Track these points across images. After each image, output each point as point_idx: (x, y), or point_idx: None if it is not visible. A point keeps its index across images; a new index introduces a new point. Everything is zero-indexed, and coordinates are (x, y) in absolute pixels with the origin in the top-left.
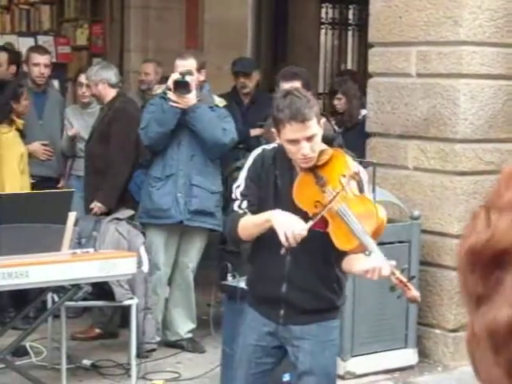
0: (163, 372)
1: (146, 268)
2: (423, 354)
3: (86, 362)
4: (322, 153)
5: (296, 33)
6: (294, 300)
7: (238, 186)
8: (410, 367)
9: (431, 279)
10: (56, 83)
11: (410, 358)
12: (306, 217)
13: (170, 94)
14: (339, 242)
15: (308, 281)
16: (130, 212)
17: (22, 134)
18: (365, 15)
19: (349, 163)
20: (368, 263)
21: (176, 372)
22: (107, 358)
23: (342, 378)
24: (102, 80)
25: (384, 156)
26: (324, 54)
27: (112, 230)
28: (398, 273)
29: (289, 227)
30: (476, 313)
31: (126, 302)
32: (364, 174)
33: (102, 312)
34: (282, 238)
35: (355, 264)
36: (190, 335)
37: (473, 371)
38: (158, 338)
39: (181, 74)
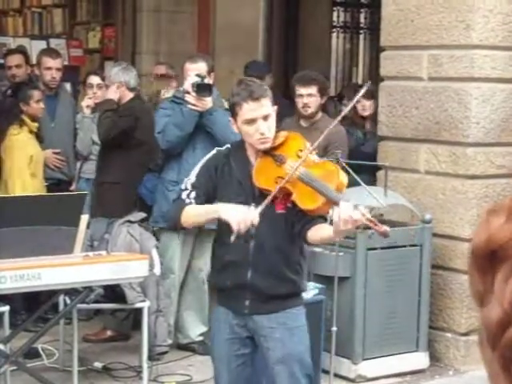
0: (174, 374)
1: (157, 271)
2: (434, 358)
3: (98, 365)
4: (276, 136)
5: (307, 36)
6: (260, 286)
7: (189, 179)
8: (421, 371)
9: (442, 283)
10: (68, 86)
11: (422, 361)
12: (270, 208)
13: (189, 97)
14: (305, 203)
15: (273, 264)
16: (142, 215)
17: (39, 138)
18: (376, 19)
19: (305, 141)
20: (337, 215)
21: (187, 375)
22: (119, 360)
23: (353, 381)
24: (120, 82)
25: (395, 159)
26: (335, 57)
27: (124, 232)
28: (366, 213)
29: (241, 216)
30: (480, 312)
31: (138, 305)
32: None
33: (114, 315)
34: (235, 227)
35: (325, 227)
36: (201, 338)
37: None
38: (170, 341)
39: (199, 76)
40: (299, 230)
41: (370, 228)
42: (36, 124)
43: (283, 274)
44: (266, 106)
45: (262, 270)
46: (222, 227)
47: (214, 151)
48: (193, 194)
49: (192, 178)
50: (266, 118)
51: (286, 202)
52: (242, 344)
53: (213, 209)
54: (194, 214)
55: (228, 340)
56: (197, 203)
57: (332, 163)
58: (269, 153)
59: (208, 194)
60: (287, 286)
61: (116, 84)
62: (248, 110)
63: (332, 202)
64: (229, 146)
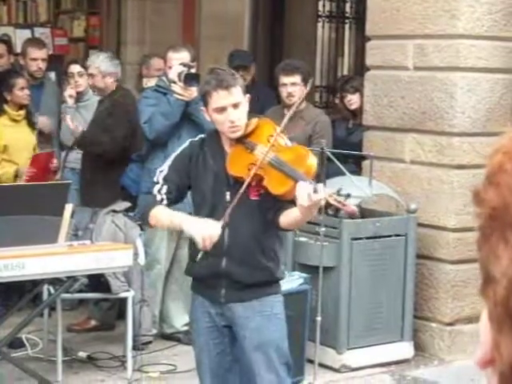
0: (159, 364)
1: (142, 260)
2: (419, 348)
3: (82, 354)
4: (248, 123)
5: (293, 26)
6: (235, 274)
7: (162, 171)
8: (406, 360)
9: (427, 273)
10: (53, 75)
11: (406, 351)
12: (244, 195)
13: (176, 87)
14: (275, 188)
15: (248, 252)
16: (127, 204)
17: (31, 125)
18: (362, 8)
19: (274, 125)
20: (299, 191)
21: (172, 364)
22: (103, 350)
23: (338, 371)
24: (110, 74)
25: (381, 149)
26: (321, 47)
27: (108, 222)
28: (333, 194)
29: (206, 232)
30: None
31: (123, 295)
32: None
33: (98, 304)
34: (202, 244)
35: (294, 211)
36: (186, 328)
37: None
38: (155, 331)
39: (186, 65)
40: (272, 216)
41: (338, 209)
42: (20, 112)
43: (258, 261)
44: (235, 95)
45: (237, 258)
46: (199, 215)
47: (187, 142)
48: (164, 189)
49: (165, 169)
50: (236, 106)
51: (260, 189)
52: (220, 332)
53: (177, 220)
54: (162, 218)
55: (207, 328)
56: (168, 198)
57: (302, 147)
58: (241, 141)
59: (180, 187)
60: (263, 274)
61: (107, 76)
62: (217, 98)
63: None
64: (202, 135)
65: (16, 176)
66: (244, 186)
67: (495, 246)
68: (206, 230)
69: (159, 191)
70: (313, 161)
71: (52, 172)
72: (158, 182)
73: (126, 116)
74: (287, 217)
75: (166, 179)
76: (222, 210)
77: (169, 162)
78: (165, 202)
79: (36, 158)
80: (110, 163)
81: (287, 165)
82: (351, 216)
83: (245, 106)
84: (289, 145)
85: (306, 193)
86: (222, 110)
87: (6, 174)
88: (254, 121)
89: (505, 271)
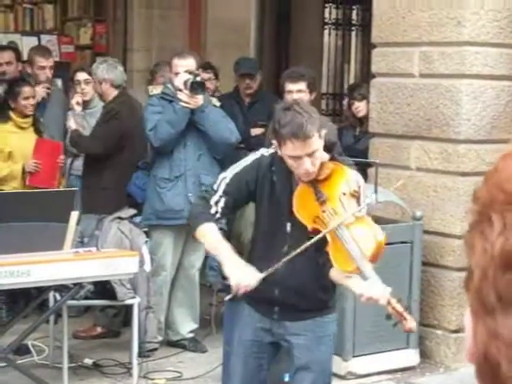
0: (165, 371)
1: (147, 267)
2: (425, 355)
3: (88, 361)
4: (322, 166)
5: (299, 33)
6: (288, 302)
7: (224, 178)
8: (412, 368)
9: (433, 280)
10: (59, 82)
11: (412, 358)
12: (304, 229)
13: (182, 95)
14: (337, 264)
15: (303, 284)
16: (133, 211)
17: (39, 132)
18: (368, 16)
19: (349, 179)
20: (365, 290)
21: (177, 371)
22: (109, 357)
23: (344, 378)
24: (105, 80)
25: (386, 156)
26: (327, 54)
27: (114, 228)
28: (394, 302)
29: (242, 281)
30: (506, 315)
31: (128, 301)
32: (363, 185)
33: (104, 311)
34: (234, 289)
35: (349, 282)
36: (191, 335)
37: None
38: (160, 338)
39: (192, 73)
40: (323, 262)
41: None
42: (27, 120)
43: (313, 293)
44: (312, 145)
45: (291, 289)
46: (256, 241)
47: (258, 154)
48: (222, 202)
49: (227, 177)
50: (311, 154)
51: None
52: (260, 347)
53: (220, 254)
54: (206, 240)
55: (249, 341)
56: (223, 213)
57: (372, 223)
58: (312, 183)
59: (238, 201)
60: (316, 304)
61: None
62: (292, 148)
63: (362, 273)
64: (272, 151)
65: (24, 172)
66: (307, 245)
67: (473, 238)
68: (244, 279)
69: (216, 203)
70: (381, 239)
71: (58, 166)
72: (217, 191)
73: (117, 123)
74: (343, 280)
75: (226, 192)
76: (281, 238)
77: (235, 169)
78: (218, 215)
79: (40, 142)
80: (116, 175)
81: (355, 246)
82: (407, 332)
83: (321, 149)
84: (359, 213)
85: (371, 299)
86: (296, 158)
87: (14, 171)
88: (330, 166)
89: (477, 261)
